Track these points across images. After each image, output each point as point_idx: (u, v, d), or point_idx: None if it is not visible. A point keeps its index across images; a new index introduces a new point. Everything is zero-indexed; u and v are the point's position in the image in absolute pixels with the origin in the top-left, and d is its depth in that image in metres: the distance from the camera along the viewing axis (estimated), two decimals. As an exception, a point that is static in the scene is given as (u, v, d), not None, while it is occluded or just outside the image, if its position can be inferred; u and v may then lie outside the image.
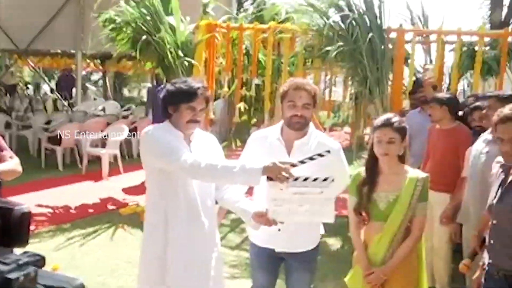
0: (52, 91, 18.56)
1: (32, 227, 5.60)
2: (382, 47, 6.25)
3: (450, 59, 7.25)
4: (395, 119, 3.02)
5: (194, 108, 2.83)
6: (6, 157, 3.15)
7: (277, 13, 9.42)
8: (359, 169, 3.16)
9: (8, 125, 11.55)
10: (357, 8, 6.33)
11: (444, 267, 4.66)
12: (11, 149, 3.35)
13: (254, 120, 9.20)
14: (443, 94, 4.90)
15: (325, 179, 2.71)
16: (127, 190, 8.35)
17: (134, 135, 10.64)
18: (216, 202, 3.12)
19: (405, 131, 3.01)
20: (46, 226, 6.51)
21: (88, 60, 17.66)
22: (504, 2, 18.53)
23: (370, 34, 6.10)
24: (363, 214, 3.06)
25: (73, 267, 5.14)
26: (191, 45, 7.32)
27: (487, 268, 2.82)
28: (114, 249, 5.76)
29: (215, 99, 8.89)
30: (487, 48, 7.20)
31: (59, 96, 16.65)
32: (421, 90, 5.71)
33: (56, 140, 9.84)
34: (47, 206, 7.31)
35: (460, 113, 4.87)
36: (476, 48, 6.50)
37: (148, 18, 7.15)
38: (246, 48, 8.03)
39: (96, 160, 9.77)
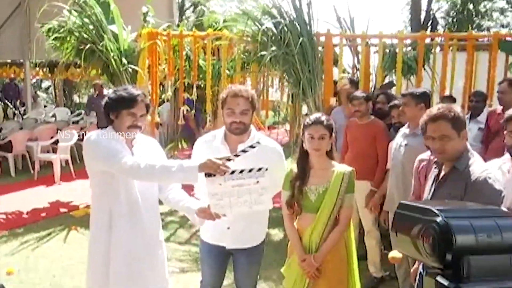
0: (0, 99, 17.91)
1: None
2: (313, 50, 6.34)
3: (375, 60, 7.43)
4: (324, 117, 3.08)
5: (135, 114, 2.81)
6: None
7: (216, 21, 9.40)
8: (291, 166, 3.19)
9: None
10: (288, 15, 6.39)
11: (376, 247, 4.80)
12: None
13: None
14: (362, 92, 5.01)
15: (259, 169, 2.72)
16: (79, 193, 8.13)
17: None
18: (161, 203, 3.08)
19: (332, 128, 3.07)
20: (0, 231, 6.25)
21: (37, 68, 17.12)
22: (422, 7, 19.24)
23: (301, 39, 6.16)
24: (295, 207, 3.08)
25: (28, 270, 4.99)
26: (134, 52, 7.21)
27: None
28: (68, 250, 5.59)
29: (160, 103, 8.80)
30: (408, 49, 7.41)
31: (9, 104, 16.06)
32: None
33: (7, 148, 9.58)
34: (0, 212, 7.03)
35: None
36: (397, 49, 6.68)
37: (91, 27, 6.99)
38: (187, 54, 7.97)
39: (48, 166, 9.53)
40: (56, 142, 9.76)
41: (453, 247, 1.16)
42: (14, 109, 15.66)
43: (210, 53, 7.36)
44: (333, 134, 3.10)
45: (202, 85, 7.99)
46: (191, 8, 19.12)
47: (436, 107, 2.66)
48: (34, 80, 21.15)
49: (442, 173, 2.69)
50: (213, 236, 3.13)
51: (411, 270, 3.08)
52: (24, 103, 15.46)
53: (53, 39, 6.96)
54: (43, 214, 7.13)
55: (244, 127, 2.99)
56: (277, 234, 6.14)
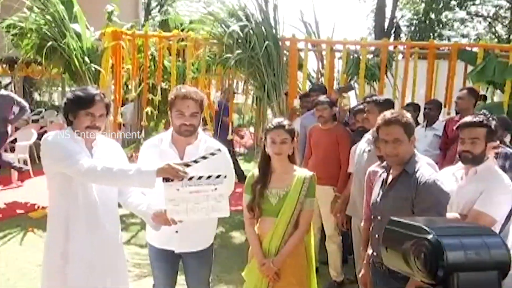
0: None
1: None
2: (278, 54, 6.37)
3: (340, 65, 7.53)
4: (286, 122, 3.10)
5: (93, 114, 2.76)
6: None
7: (181, 22, 9.35)
8: (253, 170, 3.19)
9: None
10: (254, 18, 6.42)
11: (337, 251, 4.84)
12: None
13: (162, 122, 9.09)
14: (326, 98, 5.05)
15: (218, 176, 2.72)
16: (38, 194, 7.90)
17: (44, 139, 10.09)
18: (120, 206, 3.04)
19: (294, 133, 3.09)
20: (-46, 233, 6.03)
21: (-4, 65, 16.61)
22: (387, 15, 19.61)
23: (267, 42, 6.19)
24: (256, 210, 3.08)
25: (-19, 273, 4.82)
26: (97, 51, 7.10)
27: (372, 263, 2.88)
28: (24, 253, 5.43)
29: (123, 104, 8.68)
30: (371, 56, 7.54)
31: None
32: (313, 95, 5.81)
33: (-38, 147, 9.15)
34: (-46, 214, 6.79)
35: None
36: (361, 56, 6.79)
37: (53, 24, 6.83)
38: (151, 55, 7.90)
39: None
40: (14, 141, 9.46)
41: (444, 264, 1.19)
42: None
43: (175, 54, 7.31)
44: (295, 139, 3.12)
45: (167, 86, 7.92)
46: (157, 8, 18.95)
47: (389, 112, 2.75)
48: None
49: (391, 177, 2.77)
50: (161, 240, 3.08)
51: (359, 276, 3.12)
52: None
53: (12, 35, 6.78)
54: (0, 215, 6.90)
55: (193, 129, 2.97)
56: (238, 237, 6.13)
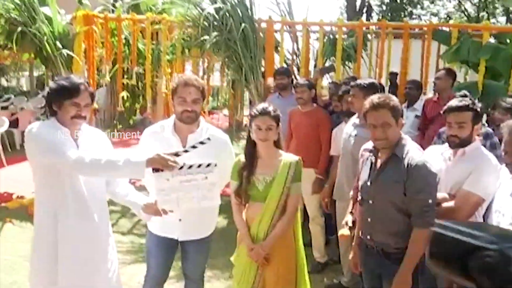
0: None
1: None
2: (254, 36, 6.33)
3: (316, 46, 7.54)
4: (271, 108, 3.08)
5: (78, 104, 2.71)
6: None
7: (154, 4, 9.18)
8: (239, 157, 3.19)
9: None
10: (229, 0, 6.33)
11: (321, 233, 4.91)
12: None
13: (137, 107, 8.98)
14: (305, 80, 5.04)
15: (208, 165, 2.72)
16: (12, 183, 7.74)
17: (16, 126, 9.88)
18: None
19: (279, 119, 3.08)
20: None
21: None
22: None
23: (243, 25, 6.13)
24: (243, 196, 3.09)
25: (-41, 267, 4.70)
26: (69, 35, 6.92)
27: (364, 245, 2.93)
28: (4, 244, 5.31)
29: (96, 88, 8.52)
30: (345, 36, 7.56)
31: None
32: (278, 78, 5.69)
33: None
34: None
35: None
36: (337, 37, 6.79)
37: (23, 8, 6.63)
38: (125, 38, 7.75)
39: (-25, 154, 8.95)
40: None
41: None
42: None
43: (150, 37, 7.19)
44: (280, 124, 3.11)
45: (141, 70, 7.80)
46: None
47: (376, 96, 2.77)
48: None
49: (380, 161, 2.79)
50: (163, 229, 3.09)
51: (350, 257, 3.16)
52: None
53: (-19, 21, 6.56)
54: (-27, 206, 6.74)
55: (195, 115, 2.99)
56: (221, 221, 6.13)
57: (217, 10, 6.26)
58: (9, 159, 8.95)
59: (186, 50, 7.37)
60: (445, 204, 2.82)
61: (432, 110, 5.18)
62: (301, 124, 4.90)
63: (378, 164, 2.81)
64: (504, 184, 2.71)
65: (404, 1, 20.78)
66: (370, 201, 2.83)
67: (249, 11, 6.42)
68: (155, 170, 2.62)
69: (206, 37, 6.19)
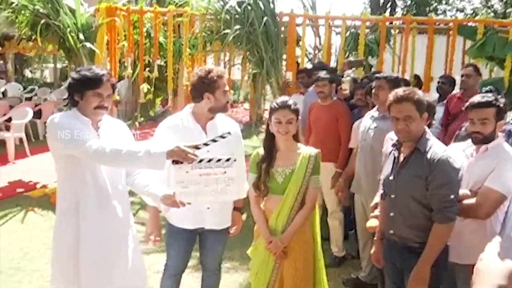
0: None
1: None
2: (276, 30, 6.32)
3: (337, 41, 7.50)
4: (291, 101, 3.08)
5: (101, 95, 2.74)
6: None
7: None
8: (258, 149, 3.20)
9: None
10: (251, -7, 6.33)
11: (339, 227, 4.89)
12: None
13: (158, 100, 9.05)
14: (326, 74, 4.98)
15: (227, 160, 2.74)
16: (35, 172, 7.88)
17: (39, 117, 10.05)
18: None
19: (298, 112, 3.09)
20: (-48, 212, 6.00)
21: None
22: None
23: (265, 18, 6.13)
24: (262, 188, 3.10)
25: (-16, 253, 4.81)
26: (92, 28, 7.00)
27: (386, 240, 2.92)
28: (26, 232, 5.42)
29: (118, 80, 8.63)
30: (368, 31, 7.51)
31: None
32: (315, 73, 5.74)
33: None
34: (-49, 192, 6.75)
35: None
36: (360, 31, 6.75)
37: (46, 1, 6.72)
38: (147, 31, 7.81)
39: (0, 144, 9.08)
40: (9, 119, 9.38)
41: None
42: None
43: (172, 30, 7.23)
44: (299, 118, 3.11)
45: (163, 63, 7.86)
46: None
47: (401, 89, 2.76)
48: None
49: (403, 155, 2.77)
50: (193, 218, 3.11)
51: (371, 252, 3.16)
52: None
53: (7, 12, 6.67)
54: (-1, 195, 6.90)
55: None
56: (239, 214, 6.15)
57: (239, 3, 6.27)
58: (33, 149, 9.10)
59: (208, 44, 7.41)
60: (466, 201, 2.78)
61: (455, 106, 5.10)
62: (320, 118, 4.88)
63: (401, 159, 2.79)
64: None
65: (429, -4, 20.51)
66: (393, 196, 2.81)
67: (271, 4, 6.43)
68: (175, 162, 2.63)
69: (227, 30, 6.20)
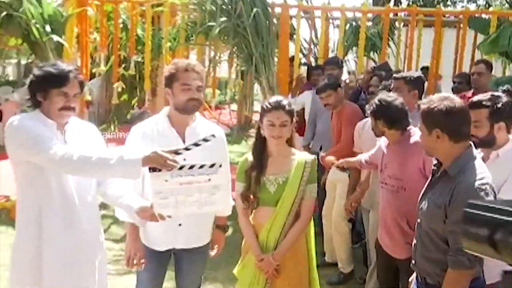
0: None
1: None
2: (267, 22, 6.32)
3: (336, 35, 7.53)
4: (285, 101, 3.06)
5: (67, 94, 2.68)
6: None
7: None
8: (246, 155, 3.18)
9: None
10: (239, -19, 6.32)
11: (343, 242, 4.85)
12: None
13: (134, 101, 9.00)
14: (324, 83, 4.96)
15: (212, 165, 2.66)
16: (-4, 182, 7.80)
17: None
18: None
19: (293, 114, 3.07)
20: None
21: None
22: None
23: (255, 9, 6.12)
24: (251, 200, 3.08)
25: None
26: (61, 19, 6.95)
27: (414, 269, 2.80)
28: (-16, 251, 5.35)
29: (90, 78, 8.57)
30: (370, 24, 7.55)
31: None
32: (328, 69, 5.79)
33: None
34: None
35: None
36: (360, 24, 6.77)
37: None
38: (123, 23, 7.77)
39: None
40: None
41: None
42: None
43: (150, 22, 7.21)
44: (294, 120, 3.09)
45: (140, 59, 7.83)
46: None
47: (437, 97, 2.57)
48: None
49: (437, 175, 2.65)
50: (165, 238, 3.04)
51: (410, 279, 2.96)
52: None
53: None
54: (-48, 208, 6.80)
55: (200, 104, 2.97)
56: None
57: (226, -8, 6.26)
58: (-8, 156, 9.01)
59: (191, 37, 7.39)
60: None
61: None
62: (333, 124, 5.00)
63: (434, 179, 2.66)
64: None
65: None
66: (419, 220, 2.69)
67: (261, -7, 6.42)
68: (152, 169, 2.57)
69: (213, 22, 6.18)
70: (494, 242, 1.29)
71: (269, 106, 3.02)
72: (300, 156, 3.09)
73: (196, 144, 2.68)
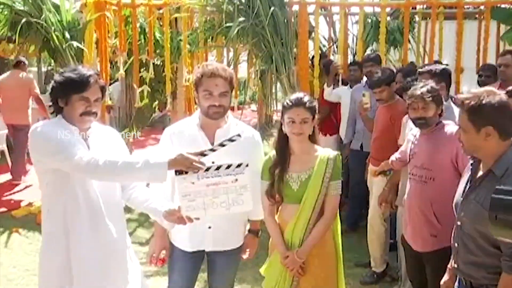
0: None
1: None
2: (285, 21, 6.32)
3: (355, 31, 7.49)
4: (306, 98, 3.07)
5: (88, 99, 2.70)
6: None
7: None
8: (269, 153, 3.19)
9: None
10: (256, -20, 6.34)
11: (377, 241, 4.87)
12: None
13: (155, 104, 9.08)
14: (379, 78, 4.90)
15: (238, 165, 2.68)
16: (19, 189, 7.93)
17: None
18: None
19: (315, 110, 3.08)
20: None
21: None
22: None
23: (272, 8, 6.13)
24: (276, 197, 3.10)
25: (-36, 279, 4.84)
26: (79, 25, 7.05)
27: (455, 274, 2.70)
28: (10, 256, 5.46)
29: (111, 83, 8.67)
30: (389, 18, 7.50)
31: None
32: (367, 65, 5.93)
33: None
34: None
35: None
36: (380, 19, 6.73)
37: (27, -3, 6.78)
38: (141, 26, 7.84)
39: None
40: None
41: None
42: None
43: (168, 25, 7.26)
44: (316, 116, 3.10)
45: (159, 62, 7.88)
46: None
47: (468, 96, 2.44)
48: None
49: (480, 173, 2.54)
50: (190, 240, 3.08)
51: (442, 282, 2.87)
52: None
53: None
54: (-23, 214, 6.93)
55: (223, 110, 2.98)
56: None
57: (243, -7, 6.28)
58: (16, 163, 9.14)
59: (209, 39, 7.42)
60: None
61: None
62: (378, 120, 4.96)
63: (475, 179, 2.55)
64: None
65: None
66: (459, 223, 2.59)
67: (278, -8, 6.42)
68: (179, 172, 2.59)
69: (231, 23, 6.21)
70: None
71: (289, 103, 3.04)
72: (323, 153, 3.10)
73: (222, 145, 2.70)
